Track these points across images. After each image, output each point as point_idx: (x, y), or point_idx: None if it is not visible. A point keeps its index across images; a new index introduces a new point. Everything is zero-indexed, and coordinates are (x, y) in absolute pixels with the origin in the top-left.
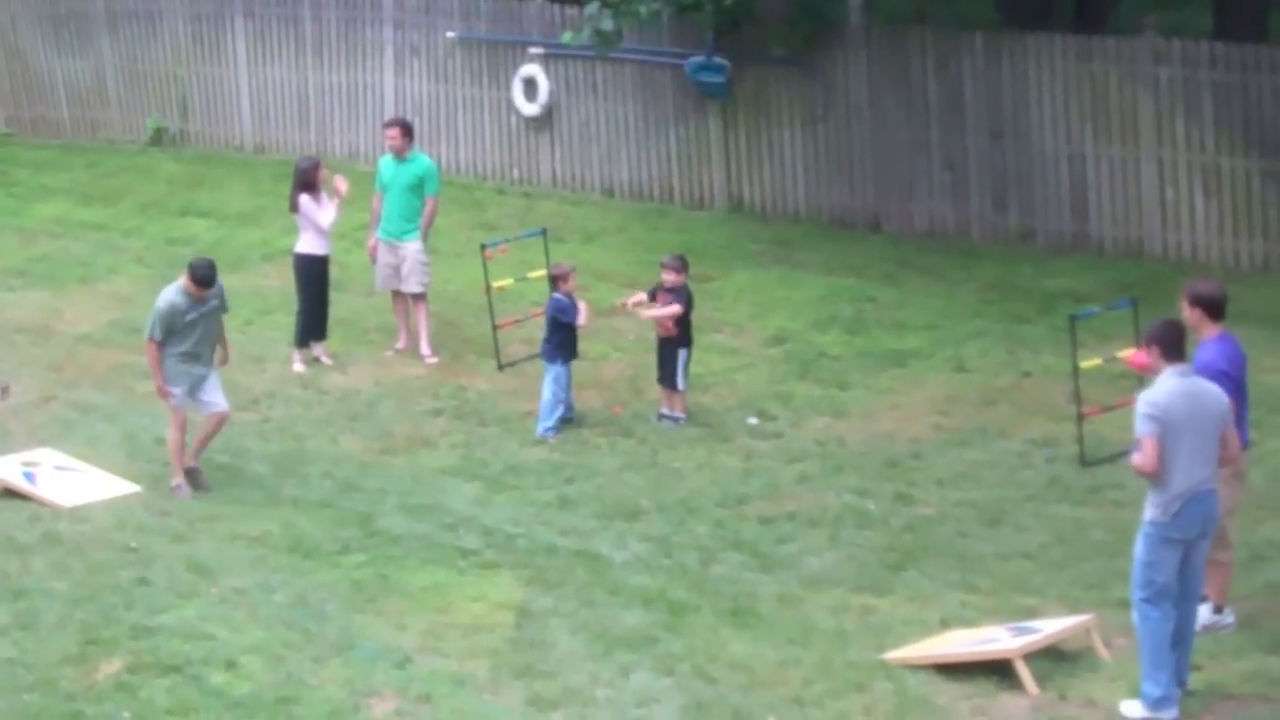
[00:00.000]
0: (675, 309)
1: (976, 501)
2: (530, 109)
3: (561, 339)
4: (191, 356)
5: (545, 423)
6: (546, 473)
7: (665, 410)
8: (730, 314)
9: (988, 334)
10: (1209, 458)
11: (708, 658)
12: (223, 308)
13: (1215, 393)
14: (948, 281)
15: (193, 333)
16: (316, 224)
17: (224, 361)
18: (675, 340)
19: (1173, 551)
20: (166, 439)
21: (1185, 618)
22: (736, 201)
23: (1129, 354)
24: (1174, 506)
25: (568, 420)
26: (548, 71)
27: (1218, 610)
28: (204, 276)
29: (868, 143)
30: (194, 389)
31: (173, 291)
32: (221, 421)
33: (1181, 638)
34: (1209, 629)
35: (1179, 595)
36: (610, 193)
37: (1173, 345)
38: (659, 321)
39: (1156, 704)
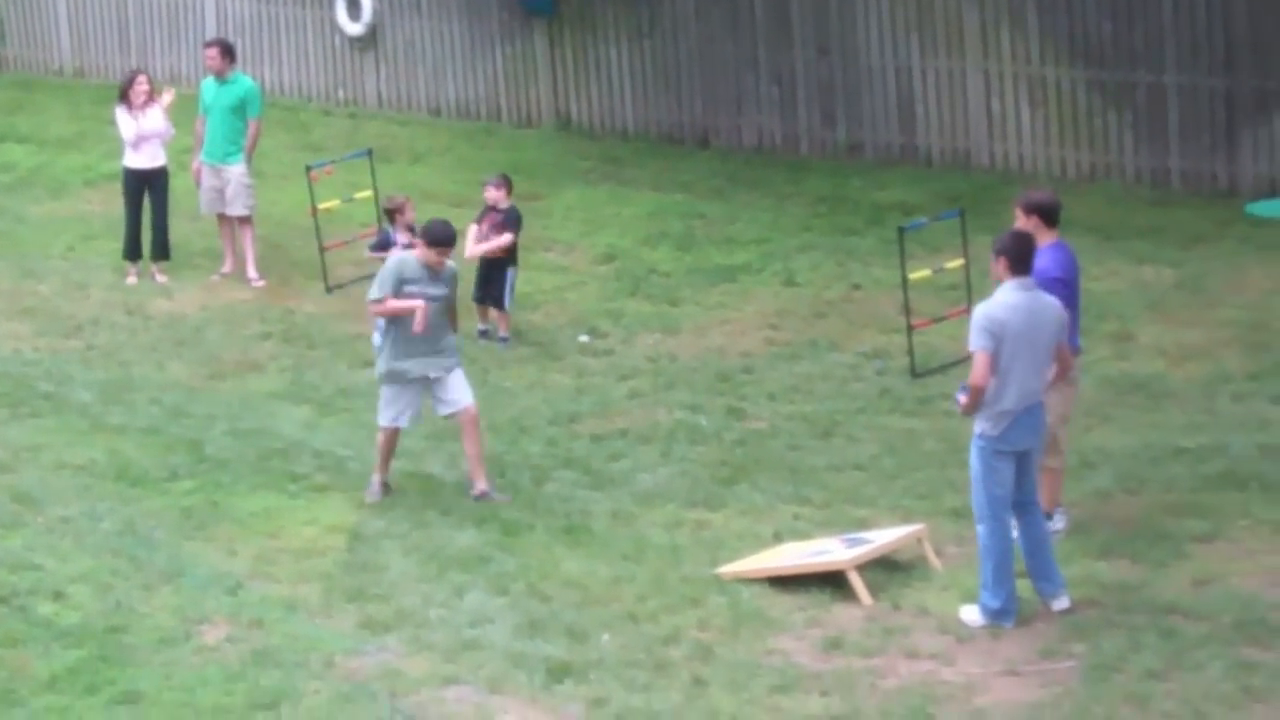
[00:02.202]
0: (507, 238)
1: (808, 414)
2: (354, 29)
3: None
4: (416, 343)
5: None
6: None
7: (484, 327)
8: (560, 232)
9: (817, 247)
10: (1041, 372)
11: (541, 576)
12: (452, 300)
13: (1054, 306)
14: (777, 196)
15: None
16: (121, 136)
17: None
18: (504, 260)
19: (1006, 463)
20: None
21: (1033, 524)
22: (564, 119)
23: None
24: (1004, 421)
25: None
26: None
27: (1048, 516)
28: (442, 234)
29: (695, 58)
30: (432, 388)
31: (406, 254)
32: (474, 421)
33: (1038, 546)
34: None
35: (1020, 504)
36: (437, 112)
37: (1020, 258)
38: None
39: (996, 615)
